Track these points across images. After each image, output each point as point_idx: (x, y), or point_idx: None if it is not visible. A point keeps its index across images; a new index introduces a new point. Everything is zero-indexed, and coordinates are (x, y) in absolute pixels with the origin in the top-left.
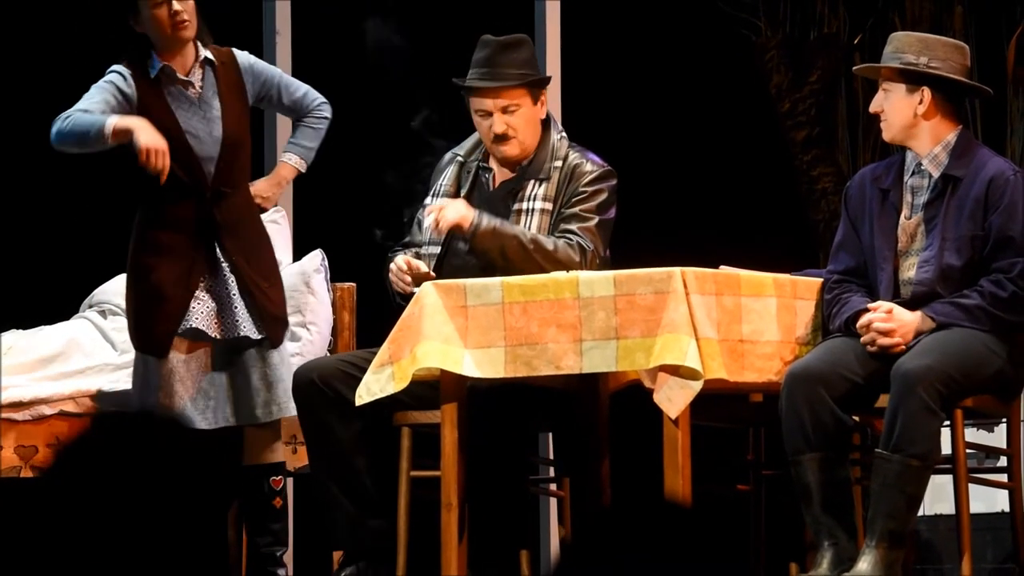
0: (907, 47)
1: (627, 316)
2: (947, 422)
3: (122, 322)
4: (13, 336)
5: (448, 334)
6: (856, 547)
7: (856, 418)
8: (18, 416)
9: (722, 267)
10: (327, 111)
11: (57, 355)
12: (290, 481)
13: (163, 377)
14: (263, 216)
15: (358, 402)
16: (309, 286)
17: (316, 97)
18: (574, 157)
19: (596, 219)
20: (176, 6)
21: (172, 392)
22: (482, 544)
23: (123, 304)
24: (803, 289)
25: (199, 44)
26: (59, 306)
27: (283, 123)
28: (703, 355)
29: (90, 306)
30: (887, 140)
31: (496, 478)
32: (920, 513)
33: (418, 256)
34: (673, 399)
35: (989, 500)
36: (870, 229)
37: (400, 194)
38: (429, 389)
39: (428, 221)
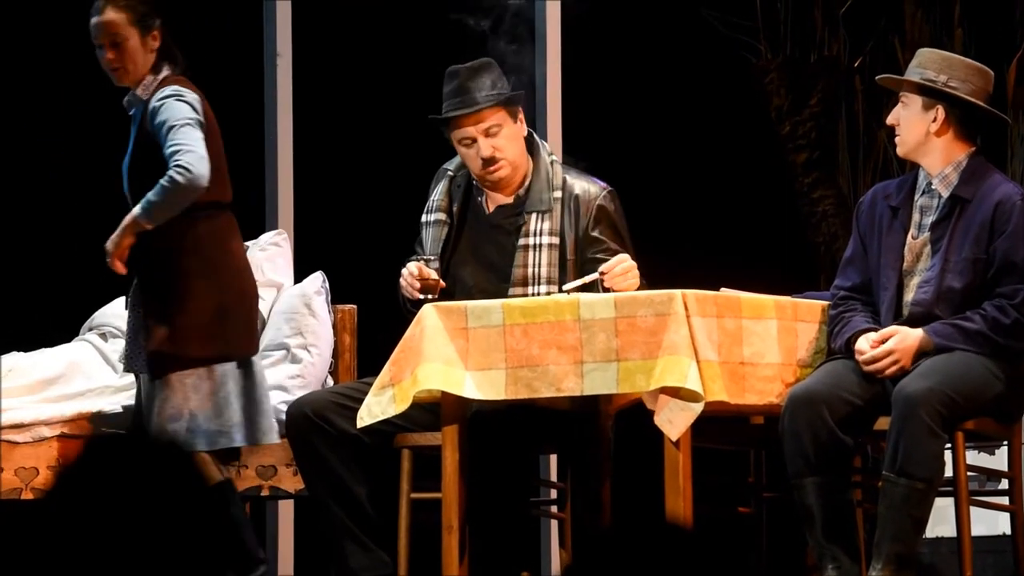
0: (930, 63)
1: (628, 338)
2: (948, 444)
3: (122, 344)
4: (14, 358)
5: (449, 356)
6: (859, 570)
7: (849, 439)
8: (18, 438)
9: (723, 289)
10: (175, 176)
11: (58, 377)
12: (291, 504)
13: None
14: (265, 237)
15: (359, 424)
16: (310, 308)
17: (177, 159)
18: (572, 183)
19: (630, 249)
20: (108, 55)
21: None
22: (483, 566)
23: (123, 326)
24: (804, 311)
25: (151, 84)
26: (60, 329)
27: (283, 125)
28: (704, 377)
29: (90, 329)
30: (900, 155)
31: (497, 500)
32: None
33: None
34: (674, 421)
35: (990, 523)
36: (878, 246)
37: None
38: (426, 413)
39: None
